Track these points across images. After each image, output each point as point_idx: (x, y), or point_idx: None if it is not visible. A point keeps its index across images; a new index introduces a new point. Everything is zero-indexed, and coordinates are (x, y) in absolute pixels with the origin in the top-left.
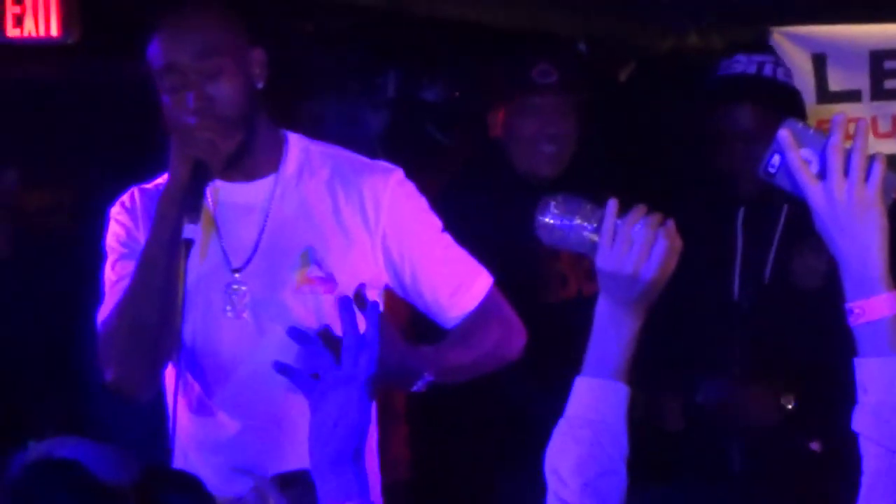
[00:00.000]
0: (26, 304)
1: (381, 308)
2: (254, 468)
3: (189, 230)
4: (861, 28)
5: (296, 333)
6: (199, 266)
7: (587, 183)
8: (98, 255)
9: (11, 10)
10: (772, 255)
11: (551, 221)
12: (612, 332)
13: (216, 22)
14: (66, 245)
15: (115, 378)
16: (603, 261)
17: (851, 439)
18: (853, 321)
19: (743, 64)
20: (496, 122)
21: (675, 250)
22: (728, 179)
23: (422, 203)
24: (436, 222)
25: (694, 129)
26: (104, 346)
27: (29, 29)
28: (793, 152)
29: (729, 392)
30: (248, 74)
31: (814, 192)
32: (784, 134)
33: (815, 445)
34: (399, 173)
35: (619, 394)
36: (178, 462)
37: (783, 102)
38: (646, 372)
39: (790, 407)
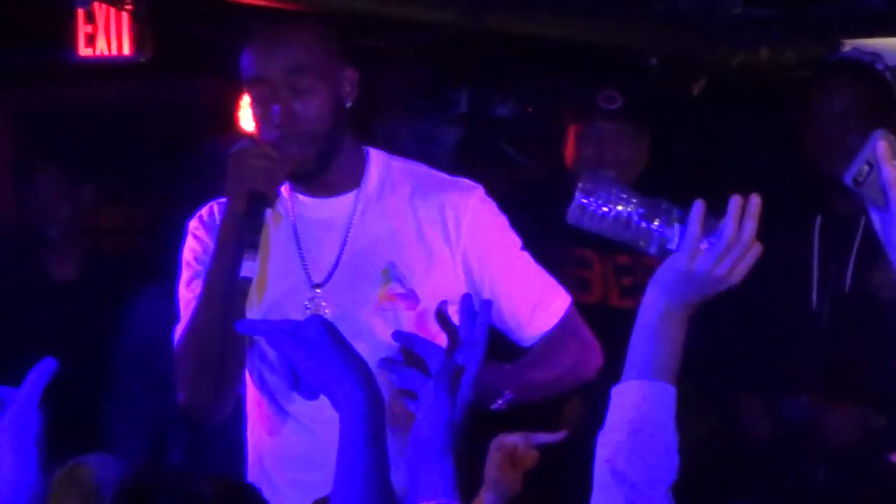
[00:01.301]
0: (94, 326)
1: None
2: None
3: (247, 267)
4: None
5: (385, 364)
6: (279, 281)
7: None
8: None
9: (83, 29)
10: (851, 266)
11: (595, 205)
12: (669, 332)
13: (309, 39)
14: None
15: (186, 400)
16: (688, 261)
17: None
18: None
19: (857, 53)
20: (567, 143)
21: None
22: (817, 165)
23: (502, 221)
24: (516, 241)
25: (771, 137)
26: (178, 368)
27: (101, 48)
28: (890, 165)
29: (813, 410)
30: (336, 93)
31: None
32: (883, 146)
33: None
34: (480, 191)
35: (671, 396)
36: (253, 475)
37: (883, 100)
38: (726, 381)
39: (877, 426)
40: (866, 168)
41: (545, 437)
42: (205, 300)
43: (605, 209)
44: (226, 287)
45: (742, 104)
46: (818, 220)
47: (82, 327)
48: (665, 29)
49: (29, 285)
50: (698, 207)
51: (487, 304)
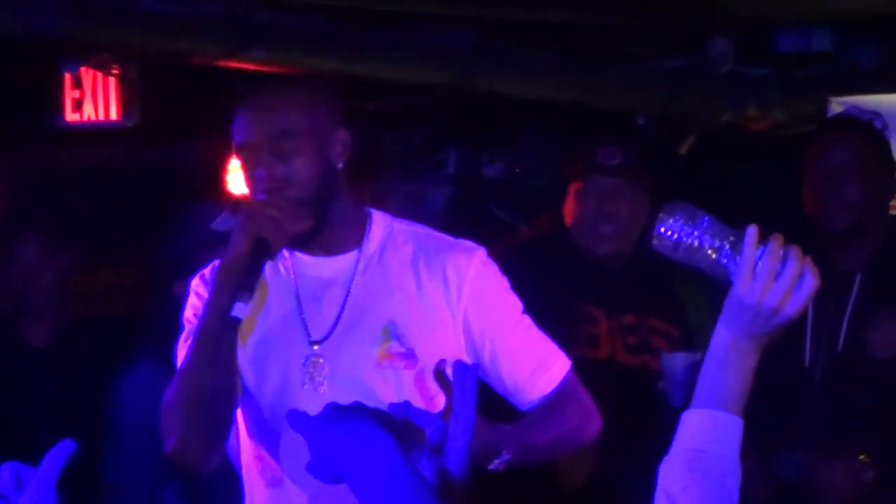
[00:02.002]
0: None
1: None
2: None
3: (239, 308)
4: None
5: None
6: (278, 337)
7: (654, 265)
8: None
9: (71, 94)
10: (845, 324)
11: (670, 233)
12: (735, 364)
13: (295, 104)
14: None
15: (174, 447)
16: (742, 291)
17: None
18: None
19: (856, 110)
20: (568, 207)
21: (816, 288)
22: (813, 221)
23: (503, 283)
24: (517, 303)
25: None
26: (165, 415)
27: (88, 113)
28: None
29: (807, 466)
30: (325, 156)
31: None
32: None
33: None
34: (482, 253)
35: (737, 427)
36: None
37: (880, 156)
38: None
39: (870, 480)
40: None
41: None
42: (198, 343)
43: (680, 238)
44: (220, 327)
45: (736, 161)
46: None
47: (58, 390)
48: (655, 88)
49: (5, 351)
50: (751, 235)
51: (474, 368)
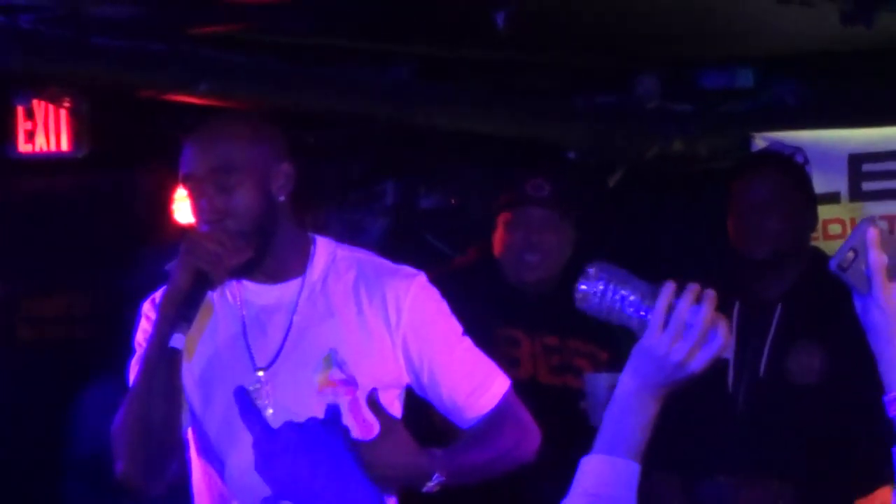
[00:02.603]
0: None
1: (401, 410)
2: None
3: (177, 339)
4: (839, 132)
5: None
6: (224, 363)
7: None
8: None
9: (23, 126)
10: (766, 351)
11: (592, 290)
12: (636, 412)
13: (239, 137)
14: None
15: (123, 471)
16: (648, 343)
17: None
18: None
19: (779, 146)
20: (497, 236)
21: (727, 345)
22: (738, 251)
23: (442, 307)
24: (456, 326)
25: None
26: (115, 440)
27: (40, 144)
28: (877, 252)
29: (728, 491)
30: (267, 188)
31: (887, 293)
32: (873, 232)
33: None
34: (422, 277)
35: (634, 473)
36: None
37: (801, 190)
38: (646, 461)
39: (788, 500)
40: (851, 255)
41: None
42: (143, 372)
43: (603, 295)
44: (160, 358)
45: (663, 194)
46: (737, 305)
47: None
48: (584, 123)
49: None
50: (667, 289)
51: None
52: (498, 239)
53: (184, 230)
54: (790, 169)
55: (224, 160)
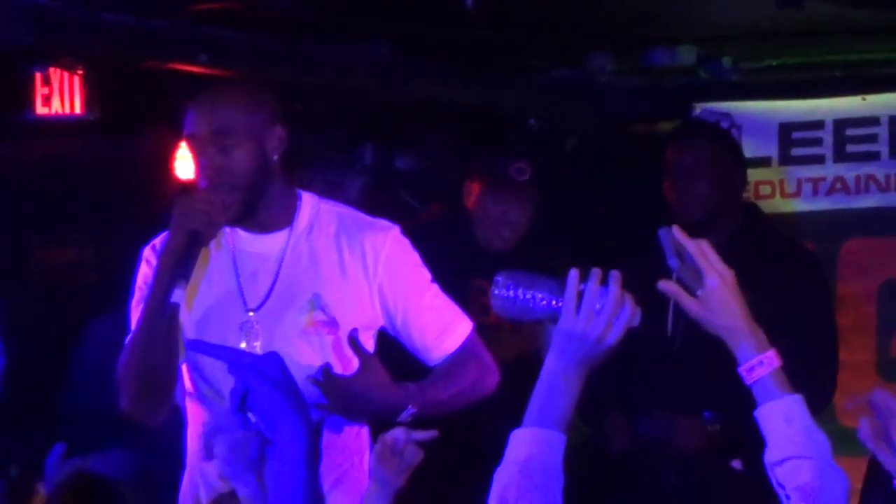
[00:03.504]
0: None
1: (374, 349)
2: None
3: (177, 295)
4: (771, 104)
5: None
6: (217, 304)
7: (537, 250)
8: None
9: (41, 90)
10: None
11: (504, 294)
12: (562, 389)
13: (236, 102)
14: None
15: (127, 406)
16: (566, 326)
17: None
18: (751, 377)
19: (705, 114)
20: (471, 194)
21: (635, 315)
22: (672, 213)
23: (415, 257)
24: (426, 275)
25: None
26: (119, 379)
27: (56, 108)
28: (692, 242)
29: (662, 424)
30: (261, 149)
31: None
32: (676, 229)
33: (736, 464)
34: (396, 230)
35: (561, 443)
36: (193, 475)
37: (728, 154)
38: (593, 402)
39: (714, 432)
40: (678, 261)
41: (423, 435)
42: (143, 322)
43: (519, 299)
44: (160, 311)
45: (613, 157)
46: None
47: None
48: (544, 94)
49: None
50: (573, 277)
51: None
52: (474, 203)
53: (184, 184)
54: (717, 136)
55: (223, 123)
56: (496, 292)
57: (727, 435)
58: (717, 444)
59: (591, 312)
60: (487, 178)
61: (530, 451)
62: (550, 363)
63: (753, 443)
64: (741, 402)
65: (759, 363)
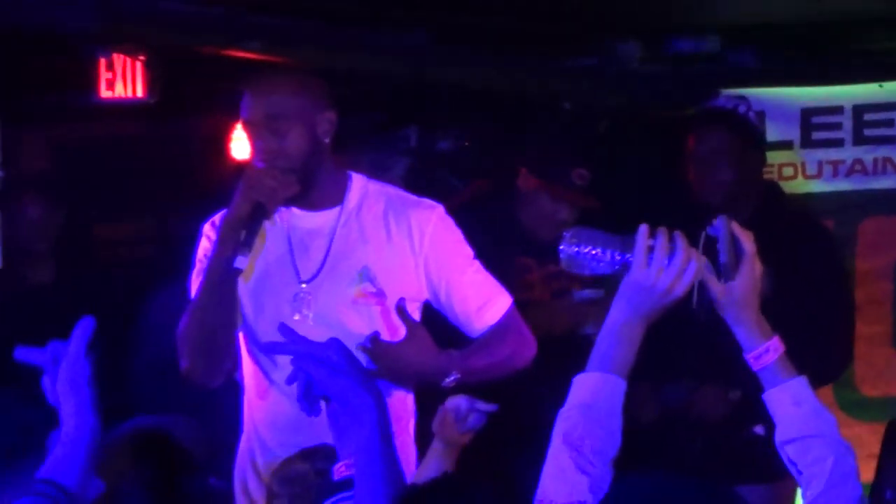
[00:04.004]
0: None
1: (419, 318)
2: (310, 443)
3: (240, 261)
4: (793, 90)
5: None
6: (272, 276)
7: None
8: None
9: (105, 75)
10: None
11: (572, 250)
12: (627, 337)
13: (289, 89)
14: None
15: (186, 368)
16: (637, 278)
17: None
18: (759, 364)
19: (723, 101)
20: (527, 182)
21: (700, 271)
22: (695, 195)
23: (458, 235)
24: (468, 251)
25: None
26: (180, 342)
27: (119, 91)
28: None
29: (686, 392)
30: (312, 133)
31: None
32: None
33: (759, 429)
34: (441, 209)
35: (622, 388)
36: (248, 435)
37: (746, 139)
38: None
39: (736, 399)
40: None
41: (486, 406)
42: (205, 286)
43: (586, 255)
44: (223, 275)
45: (644, 138)
46: (703, 235)
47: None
48: (577, 80)
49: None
50: (643, 232)
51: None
52: (529, 192)
53: (239, 165)
54: (734, 122)
55: (277, 108)
56: (564, 247)
57: (748, 402)
58: (738, 412)
59: (661, 266)
60: (548, 177)
61: (595, 395)
62: (616, 313)
63: None
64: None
65: (766, 350)
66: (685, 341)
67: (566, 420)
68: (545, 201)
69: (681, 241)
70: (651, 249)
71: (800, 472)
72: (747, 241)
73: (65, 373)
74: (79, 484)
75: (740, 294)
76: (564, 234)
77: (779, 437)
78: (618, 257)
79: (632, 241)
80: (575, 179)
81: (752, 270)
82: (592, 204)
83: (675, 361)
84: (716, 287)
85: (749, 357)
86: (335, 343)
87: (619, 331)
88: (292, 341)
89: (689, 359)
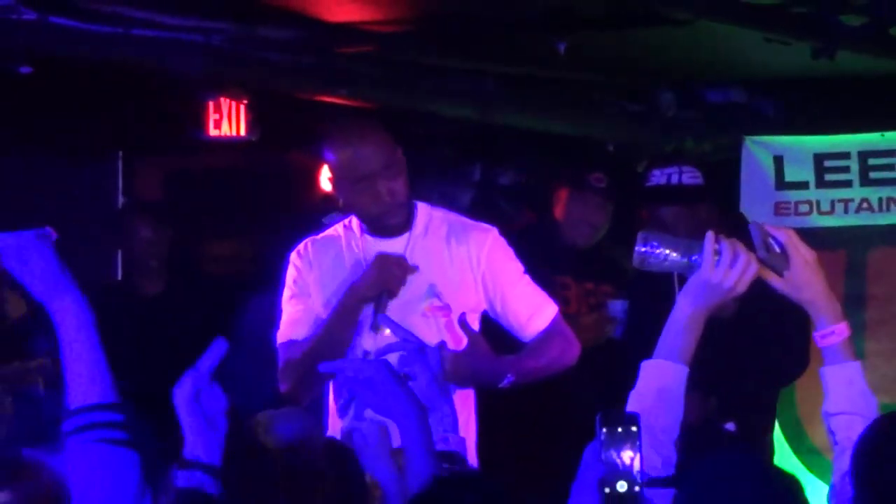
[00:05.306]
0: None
1: (478, 327)
2: None
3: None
4: (808, 137)
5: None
6: None
7: (612, 247)
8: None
9: (212, 116)
10: None
11: (646, 250)
12: (691, 328)
13: (388, 140)
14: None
15: (287, 391)
16: (705, 276)
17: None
18: (823, 343)
19: (656, 177)
20: (559, 200)
21: (758, 271)
22: None
23: (510, 253)
24: (519, 266)
25: None
26: (284, 368)
27: (224, 130)
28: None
29: None
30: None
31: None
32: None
33: (730, 426)
34: (495, 231)
35: (685, 374)
36: (332, 434)
37: (692, 196)
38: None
39: (714, 405)
40: (765, 250)
41: None
42: (324, 335)
43: (657, 254)
44: (341, 332)
45: None
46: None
47: (168, 332)
48: (620, 124)
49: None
50: (710, 237)
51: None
52: (560, 209)
53: (325, 196)
54: (682, 195)
55: (389, 158)
56: (639, 248)
57: (722, 406)
58: (712, 414)
59: (727, 266)
60: (571, 184)
61: (663, 381)
62: (682, 307)
63: (745, 408)
64: (740, 381)
65: (832, 332)
66: None
67: (634, 404)
68: (572, 208)
69: (740, 245)
70: (717, 252)
71: (836, 443)
72: (781, 234)
73: (203, 399)
74: None
75: (801, 279)
76: (639, 235)
77: (826, 407)
78: (684, 259)
79: (695, 245)
80: (593, 182)
81: (799, 255)
82: (609, 201)
83: None
84: (778, 282)
85: (816, 335)
86: (380, 364)
87: (686, 323)
88: (342, 363)
89: None
